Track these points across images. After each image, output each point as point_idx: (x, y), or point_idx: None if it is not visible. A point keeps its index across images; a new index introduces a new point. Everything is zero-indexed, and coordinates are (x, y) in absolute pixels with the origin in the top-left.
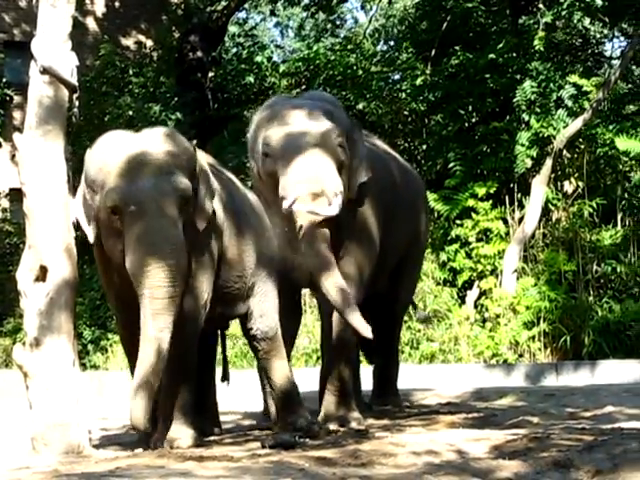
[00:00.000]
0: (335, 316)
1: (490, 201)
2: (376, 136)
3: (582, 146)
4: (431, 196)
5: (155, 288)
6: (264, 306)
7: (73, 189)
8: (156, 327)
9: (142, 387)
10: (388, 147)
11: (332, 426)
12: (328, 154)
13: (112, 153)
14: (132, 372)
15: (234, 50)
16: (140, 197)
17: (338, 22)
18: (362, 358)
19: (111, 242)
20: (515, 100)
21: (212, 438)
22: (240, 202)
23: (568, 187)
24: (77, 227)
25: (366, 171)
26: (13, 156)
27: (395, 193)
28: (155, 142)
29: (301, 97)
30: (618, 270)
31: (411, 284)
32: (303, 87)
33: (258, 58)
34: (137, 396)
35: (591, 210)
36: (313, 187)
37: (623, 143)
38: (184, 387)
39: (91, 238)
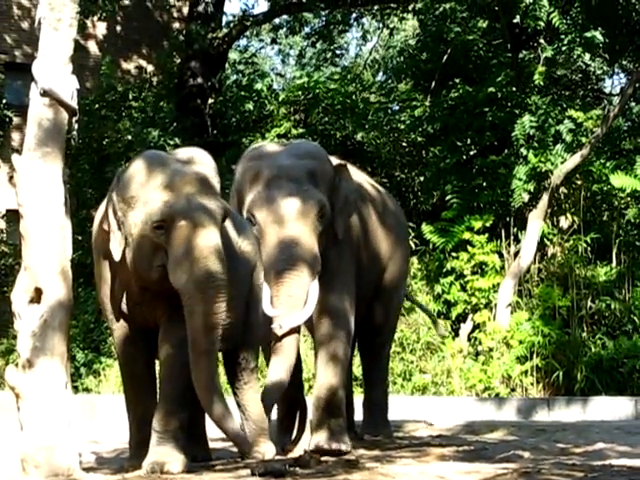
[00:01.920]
0: (326, 339)
1: (486, 234)
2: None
3: (579, 182)
4: (427, 228)
5: (211, 304)
6: (251, 337)
7: (70, 212)
8: (208, 341)
9: (213, 393)
10: (367, 177)
11: (321, 440)
12: (309, 236)
13: (154, 170)
14: (127, 392)
15: (234, 77)
16: (191, 213)
17: (338, 52)
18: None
19: (146, 258)
20: (513, 134)
21: (202, 464)
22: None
23: (564, 222)
24: (74, 249)
25: (352, 208)
26: (11, 177)
27: (369, 223)
28: (196, 161)
29: (287, 152)
30: (612, 307)
31: (391, 313)
32: (301, 116)
33: (258, 85)
34: (212, 401)
35: (586, 246)
36: (288, 300)
37: (618, 180)
38: (184, 410)
39: (118, 255)
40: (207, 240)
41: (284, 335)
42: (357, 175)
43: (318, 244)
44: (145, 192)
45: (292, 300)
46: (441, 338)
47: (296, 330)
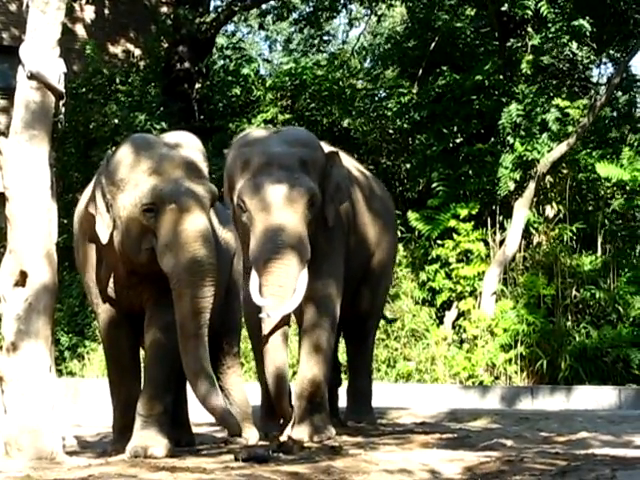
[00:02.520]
0: (310, 327)
1: (472, 222)
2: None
3: (565, 171)
4: (412, 215)
5: (200, 287)
6: (232, 323)
7: (56, 195)
8: (196, 325)
9: (202, 376)
10: (355, 162)
11: (304, 434)
12: (299, 224)
13: (144, 153)
14: (111, 376)
15: (221, 62)
16: (180, 196)
17: (326, 38)
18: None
19: (134, 240)
20: (500, 122)
21: (185, 449)
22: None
23: (549, 211)
24: (59, 233)
25: (343, 196)
26: None
27: (356, 210)
28: (185, 144)
29: (279, 138)
30: (597, 296)
31: (378, 299)
32: (288, 102)
33: (245, 71)
34: (201, 384)
35: (571, 235)
36: (278, 290)
37: (604, 169)
38: (168, 395)
39: (105, 238)
40: (196, 224)
41: (273, 327)
42: (346, 161)
43: (307, 232)
44: (135, 175)
45: (281, 290)
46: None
47: (285, 322)
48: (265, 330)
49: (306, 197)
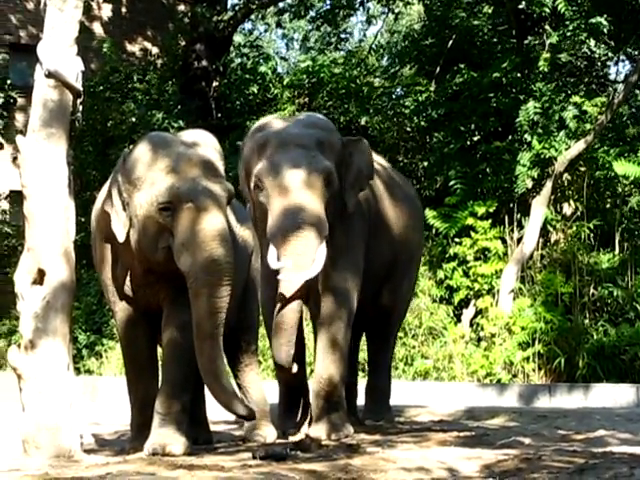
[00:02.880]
0: (326, 321)
1: (489, 220)
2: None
3: (582, 168)
4: (430, 213)
5: (216, 287)
6: (250, 321)
7: (74, 193)
8: (213, 325)
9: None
10: (381, 159)
11: (321, 432)
12: (317, 200)
13: (161, 152)
14: (128, 374)
15: (238, 60)
16: (197, 195)
17: (343, 36)
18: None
19: (151, 239)
20: (518, 120)
21: (203, 447)
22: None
23: (567, 209)
24: (77, 231)
25: (363, 182)
26: (15, 158)
27: (380, 205)
28: (202, 143)
29: (295, 122)
30: (615, 294)
31: (404, 297)
32: (306, 100)
33: (262, 68)
34: (217, 384)
35: (589, 233)
36: (297, 257)
37: (621, 167)
38: (187, 393)
39: (122, 236)
40: (214, 223)
41: (289, 296)
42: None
43: (325, 211)
44: (151, 173)
45: (300, 258)
46: None
47: (301, 293)
48: (281, 295)
49: (323, 175)
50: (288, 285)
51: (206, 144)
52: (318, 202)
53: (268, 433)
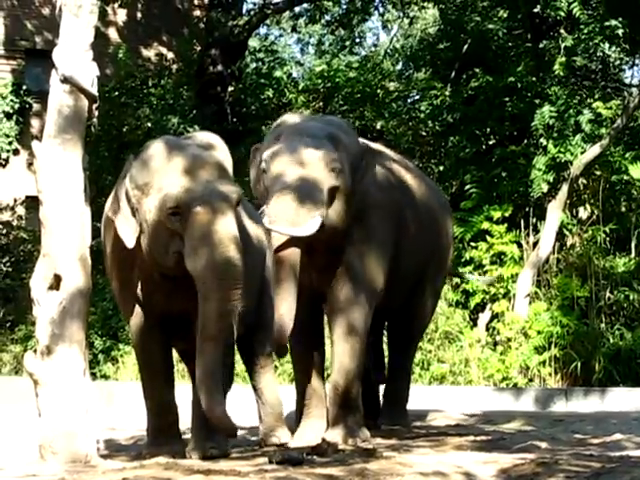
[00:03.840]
0: (343, 308)
1: (505, 224)
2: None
3: (598, 172)
4: None
5: (226, 290)
6: (265, 322)
7: (90, 199)
8: (218, 327)
9: (212, 379)
10: (411, 164)
11: (338, 437)
12: (316, 178)
13: (168, 156)
14: (144, 379)
15: (254, 65)
16: (207, 199)
17: (358, 40)
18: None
19: (161, 244)
20: (533, 124)
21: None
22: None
23: (583, 213)
24: (93, 236)
25: (374, 195)
26: (30, 164)
27: (412, 210)
28: (208, 145)
29: (314, 119)
30: (631, 298)
31: (429, 300)
32: (320, 104)
33: (277, 73)
34: (208, 387)
35: (605, 236)
36: (289, 210)
37: (637, 170)
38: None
39: (131, 242)
40: (225, 227)
41: (275, 250)
42: (400, 164)
43: (325, 195)
44: (159, 178)
45: (290, 214)
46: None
47: (294, 244)
48: (273, 240)
49: (326, 158)
50: (277, 239)
51: (213, 147)
52: (319, 176)
53: (282, 435)
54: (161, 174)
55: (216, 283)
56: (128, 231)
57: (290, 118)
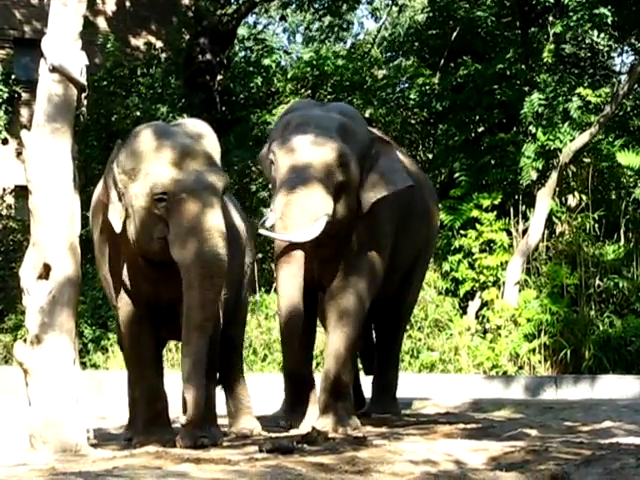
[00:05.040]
0: (339, 315)
1: (494, 212)
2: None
3: (587, 160)
4: None
5: (210, 279)
6: (240, 315)
7: (79, 188)
8: (202, 316)
9: (198, 368)
10: (406, 155)
11: (328, 425)
12: (323, 175)
13: (156, 142)
14: (131, 369)
15: (242, 53)
16: (194, 187)
17: (345, 27)
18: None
19: (146, 230)
20: (522, 112)
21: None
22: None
23: (572, 200)
24: (82, 225)
25: (387, 186)
26: (19, 153)
27: (412, 201)
28: (196, 132)
29: (322, 106)
30: (620, 285)
31: (416, 288)
32: (309, 92)
33: (266, 61)
34: (195, 376)
35: (594, 224)
36: (293, 213)
37: (626, 158)
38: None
39: (118, 227)
40: (211, 217)
41: (288, 247)
42: (403, 155)
43: (333, 192)
44: (146, 164)
45: (291, 220)
46: None
47: (301, 246)
48: (279, 252)
49: (334, 153)
50: (279, 244)
51: (201, 134)
52: (326, 166)
53: (251, 425)
54: (149, 160)
55: (200, 272)
56: (115, 216)
57: (299, 105)
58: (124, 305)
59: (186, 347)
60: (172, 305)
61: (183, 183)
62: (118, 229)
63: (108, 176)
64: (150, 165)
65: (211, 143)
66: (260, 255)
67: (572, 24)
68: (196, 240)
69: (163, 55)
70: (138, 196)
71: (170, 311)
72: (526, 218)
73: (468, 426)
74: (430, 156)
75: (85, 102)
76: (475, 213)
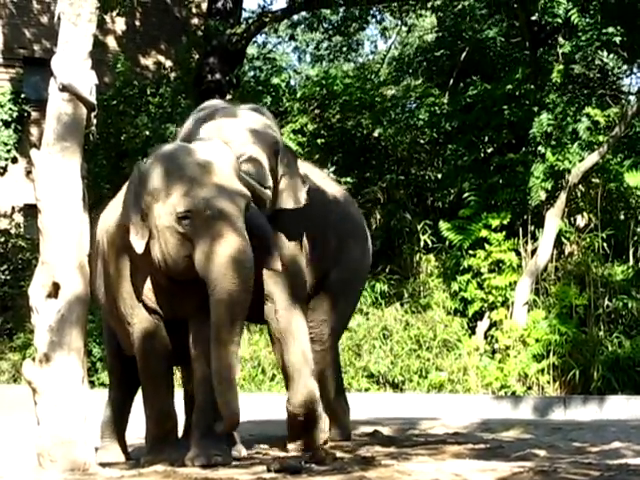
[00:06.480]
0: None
1: (503, 232)
2: (311, 164)
3: (596, 180)
4: (444, 225)
5: (237, 294)
6: None
7: (88, 207)
8: (232, 332)
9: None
10: (321, 173)
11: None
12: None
13: (176, 162)
14: (145, 386)
15: (251, 73)
16: (216, 203)
17: (355, 47)
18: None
19: (172, 249)
20: (531, 132)
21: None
22: None
23: (580, 221)
24: (91, 244)
25: (295, 199)
26: (29, 172)
27: (320, 220)
28: (216, 153)
29: (236, 110)
30: (629, 305)
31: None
32: (317, 111)
33: (275, 80)
34: (229, 392)
35: (603, 244)
36: None
37: (634, 178)
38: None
39: (140, 248)
40: (234, 232)
41: None
42: (315, 174)
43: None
44: (169, 184)
45: None
46: None
47: None
48: None
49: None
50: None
51: (219, 151)
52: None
53: (241, 449)
54: (171, 179)
55: (227, 287)
56: (137, 236)
57: (208, 113)
58: (140, 321)
59: (217, 363)
60: (183, 321)
61: (206, 200)
62: (140, 250)
63: (128, 197)
64: (172, 185)
65: (230, 161)
66: None
67: (581, 44)
68: (222, 255)
69: (173, 74)
70: (162, 216)
71: (181, 327)
72: (535, 238)
73: (476, 446)
74: (439, 176)
75: (95, 121)
76: (484, 233)
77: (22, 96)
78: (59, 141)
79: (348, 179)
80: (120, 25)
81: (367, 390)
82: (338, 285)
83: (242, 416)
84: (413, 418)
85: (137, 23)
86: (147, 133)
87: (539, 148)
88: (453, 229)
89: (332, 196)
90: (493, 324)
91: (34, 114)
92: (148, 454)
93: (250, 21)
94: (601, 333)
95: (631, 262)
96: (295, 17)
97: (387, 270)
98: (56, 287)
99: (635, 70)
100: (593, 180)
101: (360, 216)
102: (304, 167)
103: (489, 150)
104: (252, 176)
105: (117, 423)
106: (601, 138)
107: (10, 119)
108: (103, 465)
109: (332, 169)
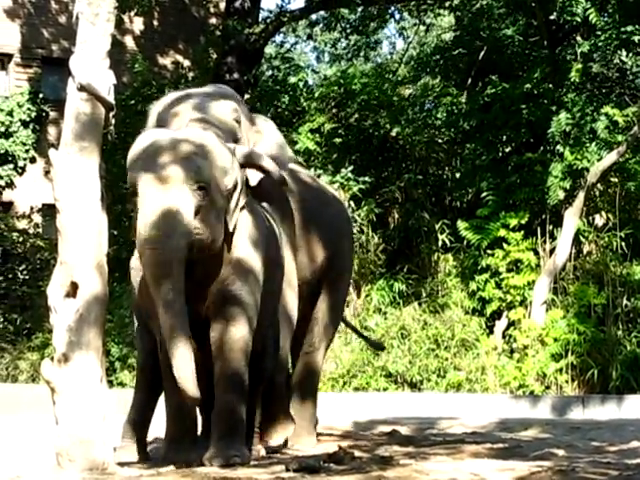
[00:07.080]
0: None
1: (521, 232)
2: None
3: (614, 179)
4: (462, 225)
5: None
6: None
7: (106, 207)
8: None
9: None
10: (304, 171)
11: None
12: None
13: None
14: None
15: (269, 72)
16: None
17: (373, 47)
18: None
19: None
20: (549, 131)
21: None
22: None
23: (599, 220)
24: (110, 244)
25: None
26: (47, 172)
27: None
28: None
29: (200, 97)
30: None
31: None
32: (335, 110)
33: (293, 80)
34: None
35: (621, 243)
36: None
37: None
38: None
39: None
40: None
41: None
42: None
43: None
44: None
45: None
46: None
47: None
48: None
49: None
50: None
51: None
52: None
53: (260, 449)
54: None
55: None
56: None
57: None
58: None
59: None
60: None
61: None
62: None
63: None
64: None
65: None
66: None
67: (600, 43)
68: None
69: (191, 74)
70: None
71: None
72: (553, 237)
73: (495, 446)
74: (457, 175)
75: (113, 121)
76: (502, 232)
77: (40, 96)
78: (77, 141)
79: (366, 178)
80: (138, 25)
81: (385, 390)
82: (332, 284)
83: None
84: (431, 418)
85: (155, 23)
86: None
87: (557, 147)
88: (471, 228)
89: (330, 195)
90: (511, 323)
91: (52, 114)
92: (166, 453)
93: (268, 21)
94: (620, 332)
95: None
96: (313, 16)
97: (405, 270)
98: (74, 287)
99: None
100: (612, 179)
101: (349, 216)
102: (294, 168)
103: (507, 149)
104: None
105: (139, 423)
106: (619, 137)
107: (28, 119)
108: (122, 465)
109: (350, 168)
